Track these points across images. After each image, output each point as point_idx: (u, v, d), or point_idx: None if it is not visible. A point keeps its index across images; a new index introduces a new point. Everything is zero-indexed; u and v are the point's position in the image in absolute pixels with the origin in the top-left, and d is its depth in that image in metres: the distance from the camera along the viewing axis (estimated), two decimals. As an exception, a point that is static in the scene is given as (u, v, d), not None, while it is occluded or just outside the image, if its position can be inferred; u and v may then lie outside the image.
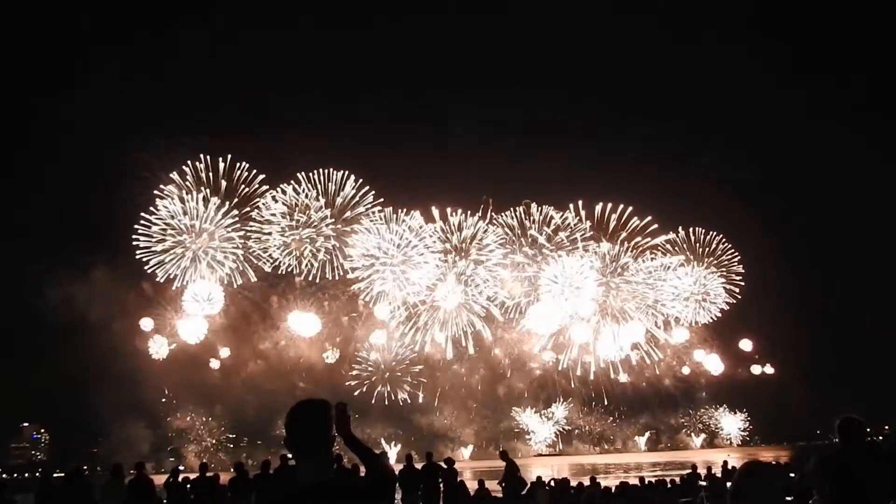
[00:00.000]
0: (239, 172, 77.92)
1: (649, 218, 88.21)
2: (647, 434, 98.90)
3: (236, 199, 78.05)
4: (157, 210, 75.19)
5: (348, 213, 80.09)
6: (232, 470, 15.81)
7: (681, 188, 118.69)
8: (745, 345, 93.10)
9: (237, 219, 77.54)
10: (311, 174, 79.09)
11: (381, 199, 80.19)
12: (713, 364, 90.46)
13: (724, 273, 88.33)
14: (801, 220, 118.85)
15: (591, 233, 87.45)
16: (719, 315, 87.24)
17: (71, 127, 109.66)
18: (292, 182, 78.85)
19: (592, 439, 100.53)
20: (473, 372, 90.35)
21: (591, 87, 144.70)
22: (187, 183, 76.83)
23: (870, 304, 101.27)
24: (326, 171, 79.36)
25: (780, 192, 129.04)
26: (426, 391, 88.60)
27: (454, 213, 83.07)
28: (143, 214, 74.17)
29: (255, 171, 78.06)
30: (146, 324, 76.78)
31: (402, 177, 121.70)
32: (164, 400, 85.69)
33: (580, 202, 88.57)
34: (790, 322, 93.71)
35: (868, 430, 5.24)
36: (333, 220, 79.83)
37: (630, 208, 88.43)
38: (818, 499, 4.85)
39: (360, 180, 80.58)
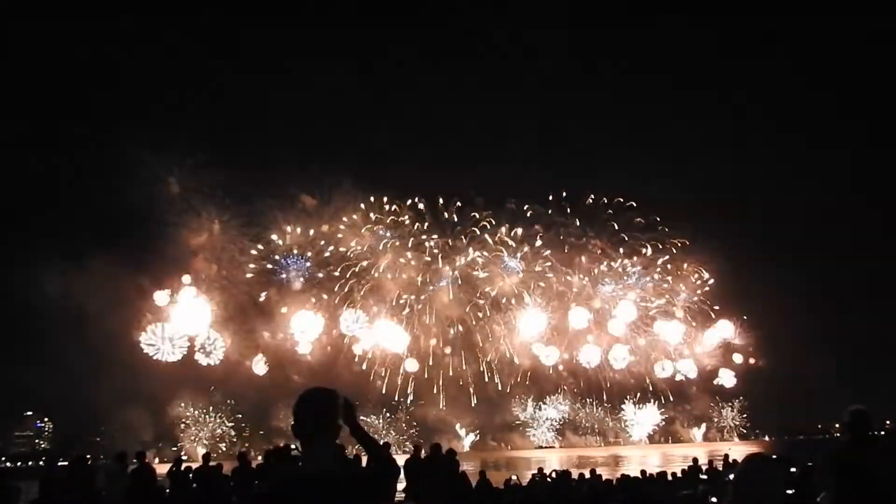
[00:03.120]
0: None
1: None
2: (649, 427, 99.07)
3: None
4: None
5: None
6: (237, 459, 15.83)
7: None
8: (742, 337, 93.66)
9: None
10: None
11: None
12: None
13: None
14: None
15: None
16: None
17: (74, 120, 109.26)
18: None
19: (591, 432, 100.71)
20: (467, 364, 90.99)
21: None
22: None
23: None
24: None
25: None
26: (422, 383, 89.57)
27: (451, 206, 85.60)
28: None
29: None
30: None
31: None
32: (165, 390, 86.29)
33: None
34: (788, 314, 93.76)
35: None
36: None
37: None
38: (826, 495, 4.78)
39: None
